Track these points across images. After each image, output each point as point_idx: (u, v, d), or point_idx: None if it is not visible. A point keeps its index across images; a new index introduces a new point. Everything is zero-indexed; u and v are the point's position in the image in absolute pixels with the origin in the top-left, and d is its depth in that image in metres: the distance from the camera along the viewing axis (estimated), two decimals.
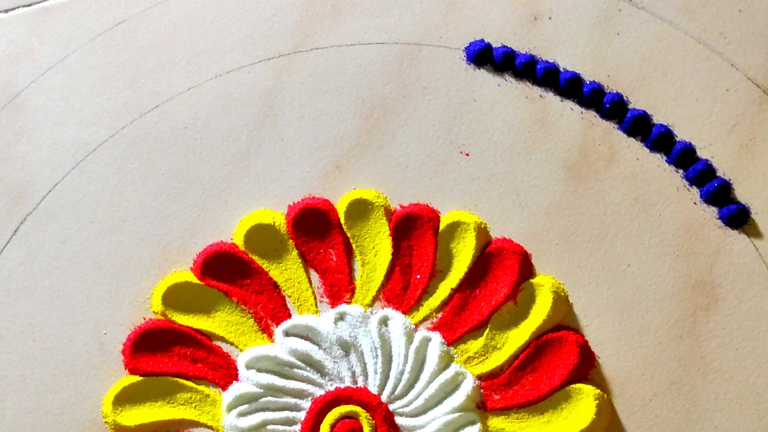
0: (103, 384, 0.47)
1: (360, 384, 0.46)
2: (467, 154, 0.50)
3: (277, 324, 0.47)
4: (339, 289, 0.48)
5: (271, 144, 0.51)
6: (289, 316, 0.47)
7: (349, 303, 0.47)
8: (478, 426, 0.45)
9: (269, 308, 0.48)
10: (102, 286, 0.49)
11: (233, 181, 0.50)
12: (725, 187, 0.48)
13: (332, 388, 0.46)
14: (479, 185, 0.49)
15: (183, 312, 0.48)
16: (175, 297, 0.48)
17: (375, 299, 0.47)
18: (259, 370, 0.46)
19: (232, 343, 0.47)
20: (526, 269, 0.47)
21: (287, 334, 0.47)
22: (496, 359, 0.46)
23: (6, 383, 0.47)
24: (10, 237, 0.50)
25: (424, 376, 0.46)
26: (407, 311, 0.47)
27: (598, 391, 0.45)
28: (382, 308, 0.47)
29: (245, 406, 0.46)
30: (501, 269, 0.47)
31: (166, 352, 0.47)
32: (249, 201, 0.50)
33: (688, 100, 0.50)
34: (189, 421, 0.46)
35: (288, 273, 0.48)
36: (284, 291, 0.48)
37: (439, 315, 0.47)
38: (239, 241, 0.48)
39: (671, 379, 0.45)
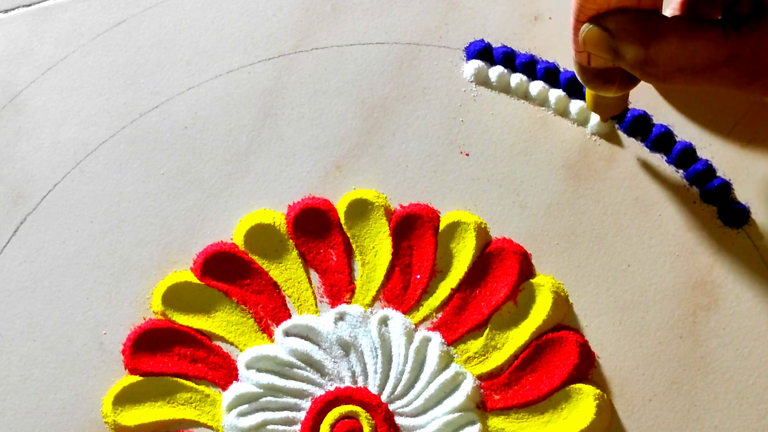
0: (103, 384, 0.47)
1: (360, 384, 0.46)
2: (467, 154, 0.50)
3: (277, 324, 0.47)
4: (339, 289, 0.48)
5: (271, 144, 0.51)
6: (289, 316, 0.47)
7: (349, 303, 0.47)
8: (478, 426, 0.45)
9: (269, 308, 0.48)
10: (102, 286, 0.49)
11: (233, 181, 0.50)
12: (725, 187, 0.48)
13: (332, 388, 0.46)
14: (479, 185, 0.49)
15: (183, 312, 0.48)
16: (175, 297, 0.48)
17: (375, 299, 0.47)
18: (259, 370, 0.46)
19: (232, 343, 0.47)
20: (526, 269, 0.47)
21: (287, 334, 0.47)
22: (496, 359, 0.46)
23: (6, 383, 0.47)
24: (10, 237, 0.50)
25: (424, 376, 0.46)
26: (407, 311, 0.47)
27: (598, 391, 0.45)
28: (382, 308, 0.47)
29: (245, 406, 0.46)
30: (501, 269, 0.47)
31: (166, 352, 0.47)
32: (249, 201, 0.50)
33: (688, 100, 0.50)
34: (189, 421, 0.46)
35: (288, 273, 0.48)
36: (284, 291, 0.48)
37: (439, 315, 0.47)
38: (239, 241, 0.49)
39: (671, 379, 0.45)
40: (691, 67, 0.38)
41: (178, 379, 0.46)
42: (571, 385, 0.45)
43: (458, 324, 0.47)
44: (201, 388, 0.46)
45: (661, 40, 0.38)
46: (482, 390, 0.46)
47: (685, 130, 0.49)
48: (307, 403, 0.45)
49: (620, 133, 0.50)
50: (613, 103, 0.45)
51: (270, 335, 0.47)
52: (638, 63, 0.39)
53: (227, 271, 0.48)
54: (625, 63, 0.39)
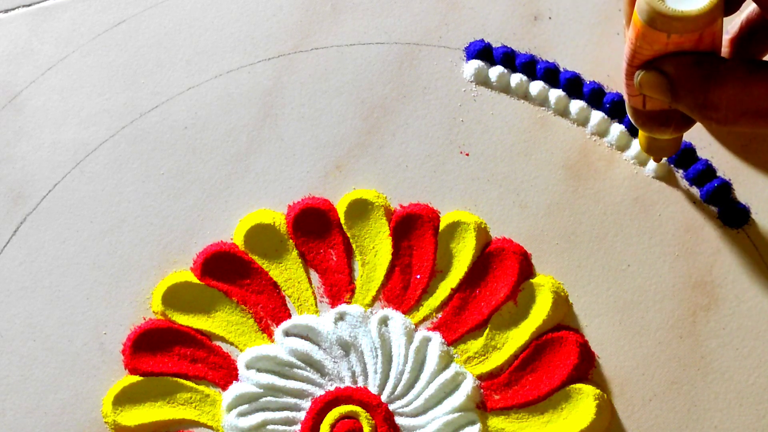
0: (103, 384, 0.47)
1: (360, 384, 0.46)
2: (467, 154, 0.50)
3: (277, 324, 0.47)
4: (339, 289, 0.48)
5: (271, 144, 0.51)
6: (289, 316, 0.47)
7: (349, 303, 0.47)
8: (478, 426, 0.45)
9: (269, 308, 0.48)
10: (102, 286, 0.49)
11: (233, 181, 0.50)
12: (725, 187, 0.48)
13: (332, 388, 0.46)
14: (479, 185, 0.49)
15: (183, 312, 0.48)
16: (175, 297, 0.48)
17: (375, 299, 0.47)
18: (259, 370, 0.46)
19: (232, 343, 0.47)
20: (526, 269, 0.47)
21: (287, 334, 0.47)
22: (496, 359, 0.46)
23: (6, 383, 0.47)
24: (10, 237, 0.50)
25: (424, 376, 0.46)
26: (407, 311, 0.47)
27: (598, 391, 0.45)
28: (382, 308, 0.47)
29: (245, 406, 0.46)
30: (501, 269, 0.47)
31: (166, 352, 0.47)
32: (249, 201, 0.50)
33: None
34: (189, 421, 0.46)
35: (288, 273, 0.48)
36: (284, 291, 0.48)
37: (439, 315, 0.47)
38: (239, 241, 0.49)
39: (671, 379, 0.45)
40: (754, 112, 0.37)
41: (178, 379, 0.46)
42: (571, 385, 0.45)
43: (458, 324, 0.47)
44: (201, 388, 0.46)
45: (722, 85, 0.37)
46: (482, 390, 0.46)
47: None
48: (307, 403, 0.45)
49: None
50: (668, 144, 0.44)
51: (270, 335, 0.47)
52: (698, 107, 0.38)
53: (227, 271, 0.48)
54: (685, 107, 0.38)
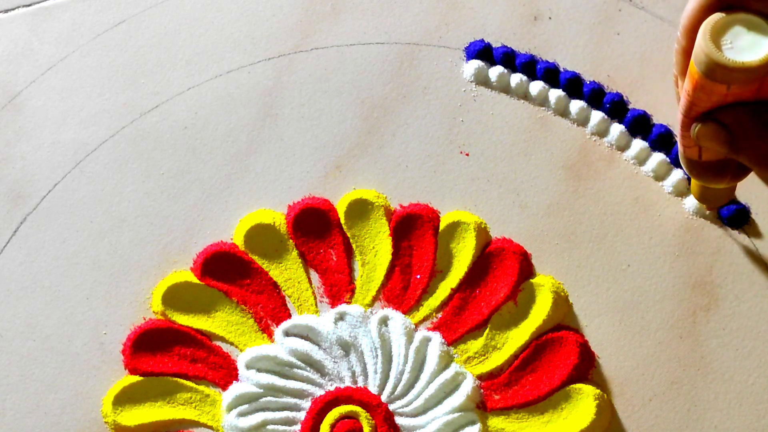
0: (103, 384, 0.47)
1: (360, 384, 0.46)
2: (467, 154, 0.50)
3: (277, 324, 0.47)
4: (339, 289, 0.48)
5: (271, 144, 0.51)
6: (289, 316, 0.47)
7: (349, 303, 0.47)
8: (478, 426, 0.45)
9: (269, 308, 0.48)
10: (102, 286, 0.49)
11: (233, 181, 0.50)
12: None
13: (332, 388, 0.46)
14: (479, 185, 0.49)
15: (183, 312, 0.48)
16: (175, 297, 0.48)
17: (375, 299, 0.47)
18: (259, 370, 0.46)
19: (232, 343, 0.47)
20: (526, 269, 0.47)
21: (287, 334, 0.47)
22: (496, 359, 0.46)
23: (6, 383, 0.47)
24: (10, 237, 0.50)
25: (424, 376, 0.46)
26: (407, 311, 0.47)
27: (598, 391, 0.45)
28: (382, 308, 0.47)
29: (245, 406, 0.46)
30: (501, 269, 0.47)
31: (166, 352, 0.47)
32: (249, 201, 0.50)
33: None
34: (189, 421, 0.46)
35: (288, 273, 0.48)
36: (284, 291, 0.48)
37: (439, 315, 0.47)
38: (239, 241, 0.49)
39: (671, 379, 0.45)
40: None
41: (178, 379, 0.46)
42: (571, 385, 0.45)
43: (458, 324, 0.47)
44: (201, 388, 0.46)
45: None
46: (482, 390, 0.46)
47: None
48: (307, 403, 0.45)
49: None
50: (722, 193, 0.43)
51: (270, 335, 0.47)
52: (760, 158, 0.37)
53: (227, 271, 0.48)
54: (745, 158, 0.37)
